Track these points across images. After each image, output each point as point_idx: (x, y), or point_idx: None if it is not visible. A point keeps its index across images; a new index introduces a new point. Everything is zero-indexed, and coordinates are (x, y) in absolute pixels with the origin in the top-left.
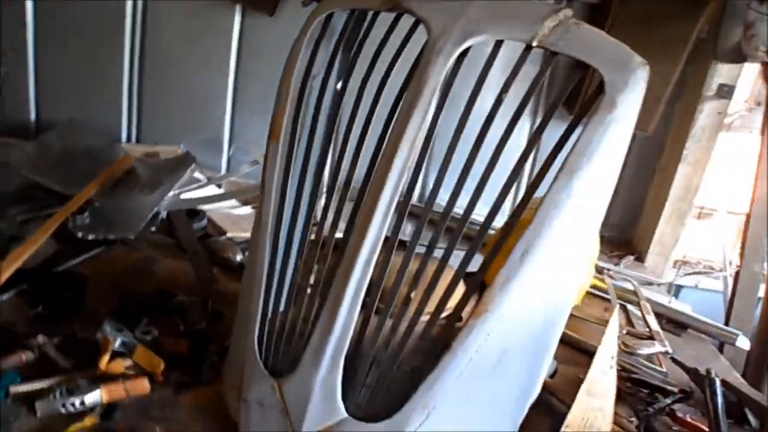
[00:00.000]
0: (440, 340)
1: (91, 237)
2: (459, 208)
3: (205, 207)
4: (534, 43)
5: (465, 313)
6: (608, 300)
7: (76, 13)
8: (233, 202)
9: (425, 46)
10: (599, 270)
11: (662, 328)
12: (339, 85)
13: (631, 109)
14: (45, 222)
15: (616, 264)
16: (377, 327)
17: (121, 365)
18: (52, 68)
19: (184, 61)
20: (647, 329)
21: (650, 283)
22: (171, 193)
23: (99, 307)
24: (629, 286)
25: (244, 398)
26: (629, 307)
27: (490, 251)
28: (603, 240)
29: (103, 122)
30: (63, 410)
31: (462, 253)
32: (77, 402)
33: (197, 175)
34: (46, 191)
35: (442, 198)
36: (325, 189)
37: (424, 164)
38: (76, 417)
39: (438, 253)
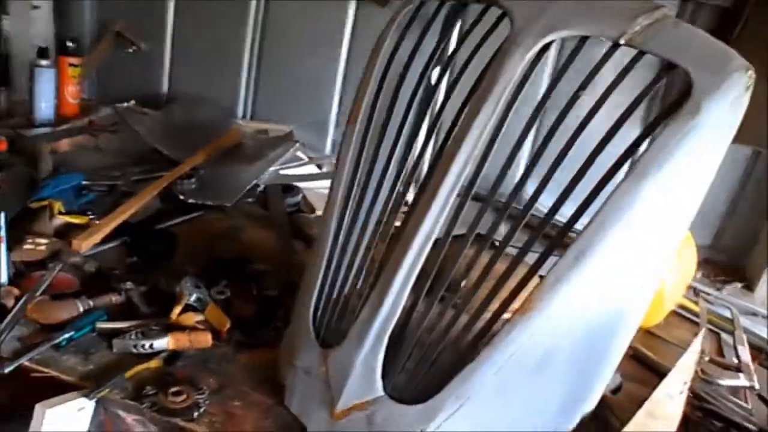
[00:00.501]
0: (484, 333)
1: (191, 201)
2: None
3: (301, 184)
4: (621, 41)
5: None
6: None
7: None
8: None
9: (506, 39)
10: (696, 292)
11: (759, 364)
12: (421, 74)
13: (723, 116)
14: (153, 183)
15: (719, 289)
16: (424, 312)
17: (192, 318)
18: (185, 48)
19: (300, 46)
20: (737, 360)
21: (756, 314)
22: (272, 168)
23: (185, 265)
24: (729, 314)
25: (293, 364)
26: (723, 335)
27: (546, 249)
28: (710, 263)
29: (223, 99)
30: (134, 350)
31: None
32: (147, 345)
33: (300, 153)
34: (163, 156)
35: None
36: (394, 174)
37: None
38: (144, 358)
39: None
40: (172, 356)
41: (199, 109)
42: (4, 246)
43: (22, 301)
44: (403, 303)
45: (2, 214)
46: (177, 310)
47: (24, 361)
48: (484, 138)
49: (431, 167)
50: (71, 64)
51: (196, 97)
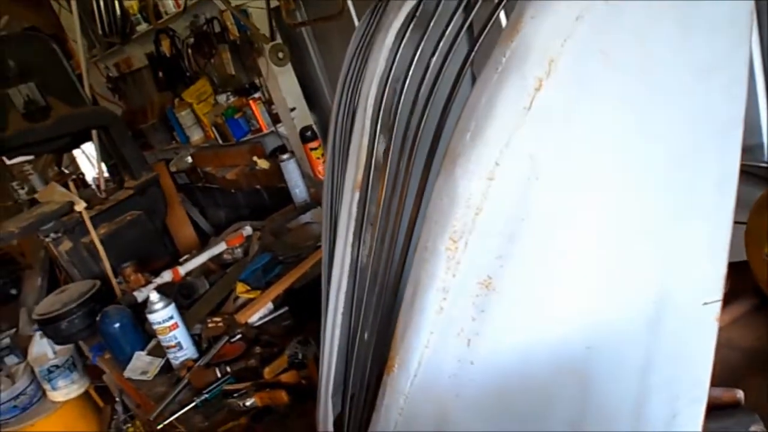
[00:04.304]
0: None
1: None
2: None
3: None
4: None
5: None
6: None
7: None
8: None
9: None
10: None
11: None
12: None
13: (585, 32)
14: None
15: None
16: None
17: (295, 376)
18: None
19: None
20: None
21: None
22: None
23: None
24: None
25: None
26: None
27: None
28: None
29: None
30: (236, 408)
31: None
32: (241, 403)
33: None
34: None
35: None
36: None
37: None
38: (244, 414)
39: None
40: (262, 412)
41: None
42: (180, 330)
43: (189, 372)
44: (334, 363)
45: (172, 305)
46: (267, 369)
47: (171, 419)
48: (363, 155)
49: None
50: (312, 149)
51: None
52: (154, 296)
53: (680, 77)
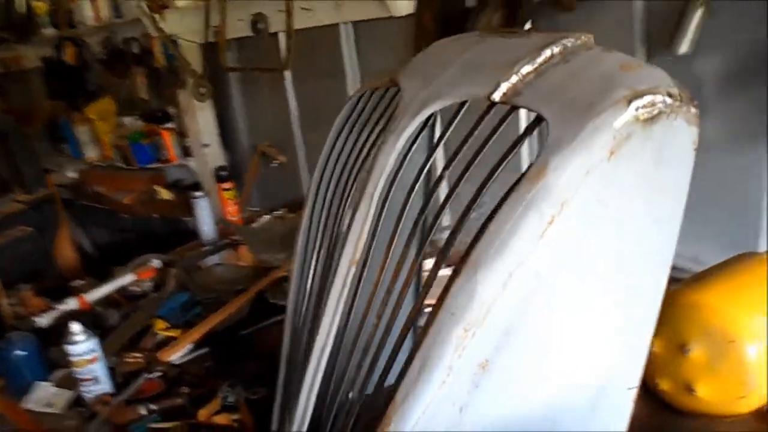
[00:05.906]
0: None
1: (281, 303)
2: None
3: None
4: (496, 99)
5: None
6: None
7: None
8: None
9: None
10: None
11: None
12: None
13: (579, 181)
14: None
15: None
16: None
17: (227, 418)
18: (314, 155)
19: None
20: None
21: None
22: None
23: (253, 367)
24: None
25: None
26: None
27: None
28: None
29: None
30: None
31: None
32: None
33: None
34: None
35: None
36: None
37: None
38: None
39: None
40: None
41: None
42: (101, 363)
43: (106, 407)
44: (314, 395)
45: (95, 339)
46: (203, 411)
47: None
48: (364, 238)
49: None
50: (225, 189)
51: None
52: (76, 327)
53: (648, 226)
